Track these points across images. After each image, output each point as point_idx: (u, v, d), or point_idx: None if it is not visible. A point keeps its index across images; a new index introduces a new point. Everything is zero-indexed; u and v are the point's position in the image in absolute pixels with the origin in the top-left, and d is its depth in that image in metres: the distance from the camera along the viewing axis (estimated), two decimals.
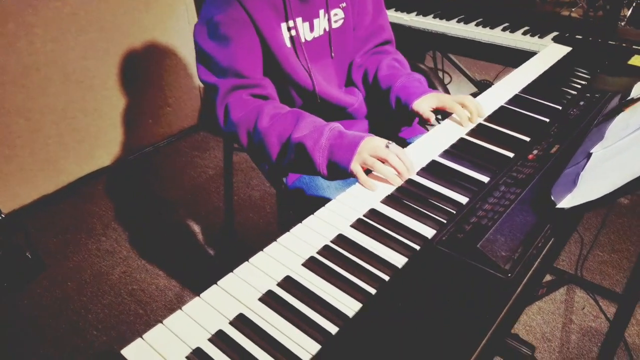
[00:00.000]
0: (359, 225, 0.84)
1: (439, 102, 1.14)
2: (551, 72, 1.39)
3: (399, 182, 0.94)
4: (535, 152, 1.00)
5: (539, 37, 1.79)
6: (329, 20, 1.19)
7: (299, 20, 1.13)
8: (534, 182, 0.90)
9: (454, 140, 1.07)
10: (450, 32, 1.95)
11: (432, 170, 0.98)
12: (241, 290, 0.72)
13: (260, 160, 1.16)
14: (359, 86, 1.32)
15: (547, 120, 1.14)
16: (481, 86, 2.40)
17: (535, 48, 1.75)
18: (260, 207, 2.20)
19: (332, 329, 0.66)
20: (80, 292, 1.78)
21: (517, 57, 1.76)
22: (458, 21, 1.96)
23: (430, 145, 1.06)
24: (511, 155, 1.02)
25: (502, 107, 1.21)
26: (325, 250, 0.78)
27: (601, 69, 1.38)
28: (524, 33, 1.82)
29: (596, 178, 0.81)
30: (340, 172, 0.98)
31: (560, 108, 1.18)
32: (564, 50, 1.52)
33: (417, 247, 0.79)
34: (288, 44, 1.13)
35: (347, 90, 1.31)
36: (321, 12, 1.17)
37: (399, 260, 0.77)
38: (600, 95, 1.20)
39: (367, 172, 0.96)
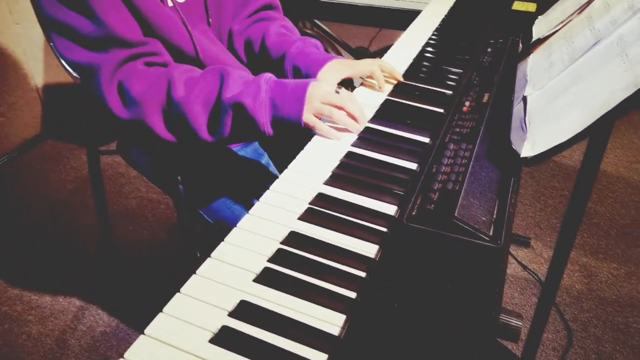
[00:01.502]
0: (308, 216, 0.67)
1: (353, 72, 0.99)
2: (446, 25, 1.34)
3: (359, 129, 0.87)
4: (467, 103, 0.92)
5: None
6: None
7: None
8: (481, 135, 0.82)
9: (378, 104, 0.95)
10: None
11: (368, 138, 0.85)
12: (182, 335, 0.51)
13: (182, 139, 0.89)
14: (242, 56, 1.12)
15: (461, 70, 1.07)
16: (357, 54, 2.34)
17: (413, 6, 1.72)
18: (140, 216, 1.90)
19: (321, 358, 0.50)
20: None
21: (397, 18, 1.72)
22: None
23: None
24: (441, 110, 0.93)
25: (412, 65, 1.12)
26: (279, 256, 0.61)
27: (489, 17, 1.36)
28: None
29: (553, 119, 0.74)
30: (290, 128, 0.83)
31: (469, 57, 1.13)
32: (449, 2, 1.49)
33: (384, 229, 0.65)
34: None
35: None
36: None
37: (369, 249, 0.63)
38: (503, 41, 1.17)
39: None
